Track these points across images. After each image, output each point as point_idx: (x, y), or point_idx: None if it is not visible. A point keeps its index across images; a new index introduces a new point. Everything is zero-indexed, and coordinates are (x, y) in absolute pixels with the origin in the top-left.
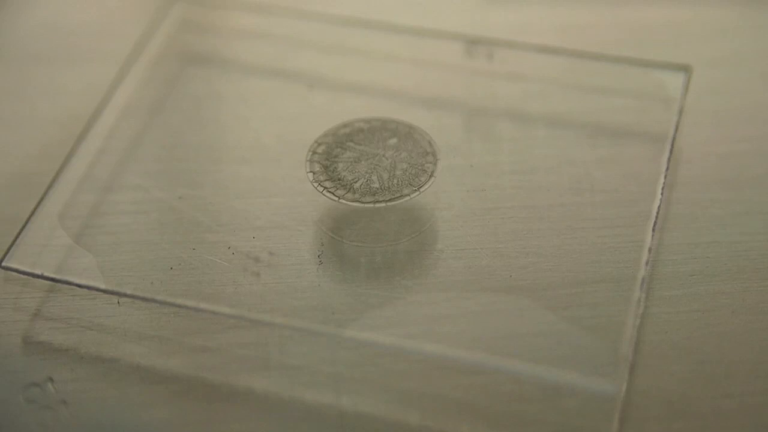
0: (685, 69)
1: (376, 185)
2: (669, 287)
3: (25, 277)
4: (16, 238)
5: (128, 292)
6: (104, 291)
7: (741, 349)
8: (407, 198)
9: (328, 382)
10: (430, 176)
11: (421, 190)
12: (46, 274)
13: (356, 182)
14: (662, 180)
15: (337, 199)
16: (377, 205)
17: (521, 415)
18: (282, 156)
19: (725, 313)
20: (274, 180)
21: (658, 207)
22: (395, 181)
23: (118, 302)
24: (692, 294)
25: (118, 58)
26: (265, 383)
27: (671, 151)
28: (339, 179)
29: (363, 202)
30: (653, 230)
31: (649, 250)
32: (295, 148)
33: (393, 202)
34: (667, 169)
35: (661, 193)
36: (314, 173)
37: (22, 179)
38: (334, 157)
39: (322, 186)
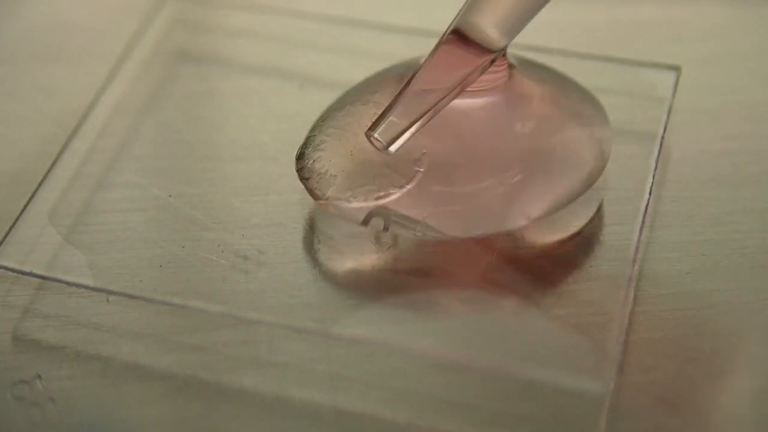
0: (675, 68)
1: None
2: (664, 285)
3: (15, 274)
4: (6, 235)
5: (116, 289)
6: (93, 289)
7: (736, 346)
8: (394, 197)
9: (322, 380)
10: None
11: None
12: (35, 271)
13: None
14: (650, 179)
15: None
16: (364, 204)
17: (510, 414)
18: (277, 154)
19: (720, 311)
20: (269, 178)
21: (646, 206)
22: None
23: (107, 300)
24: (687, 292)
25: (110, 56)
26: (259, 381)
27: (660, 150)
28: None
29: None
30: (641, 229)
31: (637, 248)
32: (290, 146)
33: (381, 201)
34: (656, 168)
35: (650, 192)
36: None
37: (13, 177)
38: None
39: None
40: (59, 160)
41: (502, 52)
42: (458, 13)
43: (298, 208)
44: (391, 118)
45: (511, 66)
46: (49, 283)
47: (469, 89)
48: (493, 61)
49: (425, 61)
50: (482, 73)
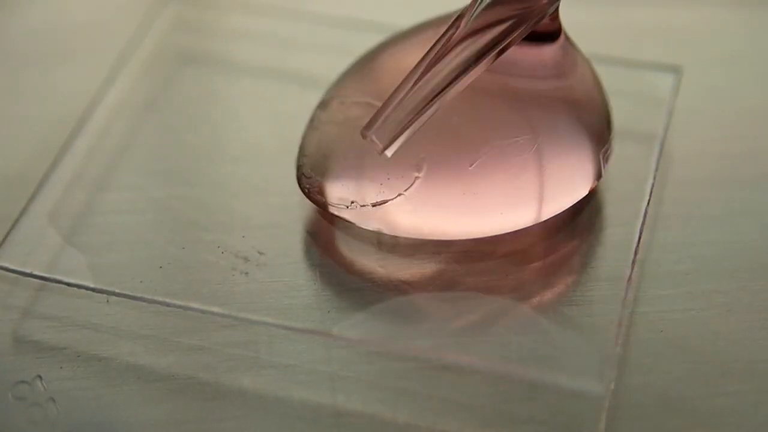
0: (676, 70)
1: None
2: (664, 286)
3: (16, 275)
4: (7, 236)
5: (117, 290)
6: (93, 290)
7: (736, 347)
8: (392, 201)
9: (322, 380)
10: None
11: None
12: (35, 272)
13: None
14: (651, 180)
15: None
16: (363, 207)
17: (510, 414)
18: (278, 155)
19: (720, 311)
20: (269, 179)
21: (646, 207)
22: None
23: (108, 301)
24: (687, 293)
25: (110, 57)
26: (260, 382)
27: (661, 152)
28: None
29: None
30: (641, 230)
31: (637, 249)
32: (290, 147)
33: (379, 205)
34: (657, 169)
35: (650, 194)
36: None
37: (14, 178)
38: None
39: None
40: (59, 161)
41: (508, 43)
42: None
43: (298, 209)
44: (387, 115)
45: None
46: (50, 284)
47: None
48: (502, 50)
49: (429, 51)
50: (488, 64)
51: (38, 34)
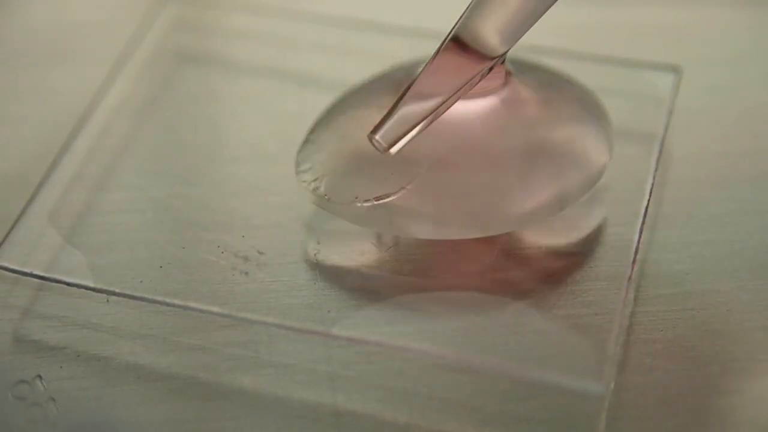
0: (676, 69)
1: None
2: (664, 285)
3: (16, 275)
4: (7, 235)
5: (117, 290)
6: (93, 289)
7: (736, 347)
8: (394, 196)
9: (322, 380)
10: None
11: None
12: (36, 272)
13: None
14: (651, 180)
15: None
16: (365, 204)
17: (510, 414)
18: (277, 154)
19: (720, 311)
20: (269, 178)
21: (646, 207)
22: None
23: (108, 300)
24: (687, 292)
25: (110, 57)
26: (260, 381)
27: (660, 151)
28: None
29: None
30: (641, 229)
31: (637, 248)
32: (290, 146)
33: (381, 200)
34: (656, 169)
35: (650, 193)
36: None
37: (14, 178)
38: None
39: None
40: (59, 160)
41: (502, 59)
42: (459, 19)
43: (298, 208)
44: (393, 120)
45: (508, 72)
46: (50, 284)
47: (468, 93)
48: (492, 68)
49: (425, 66)
50: (482, 78)
51: (38, 34)
